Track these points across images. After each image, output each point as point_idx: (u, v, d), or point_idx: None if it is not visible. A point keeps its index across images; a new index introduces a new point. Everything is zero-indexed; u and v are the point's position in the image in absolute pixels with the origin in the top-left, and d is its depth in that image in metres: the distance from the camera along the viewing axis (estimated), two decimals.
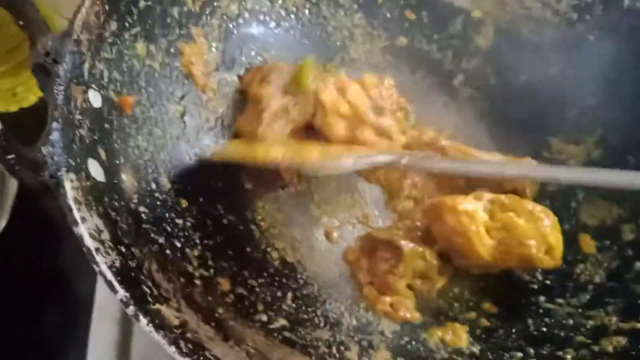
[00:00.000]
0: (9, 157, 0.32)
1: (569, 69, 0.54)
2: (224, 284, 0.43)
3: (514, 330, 0.45)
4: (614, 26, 0.52)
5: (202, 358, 0.31)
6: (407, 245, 0.47)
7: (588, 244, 0.48)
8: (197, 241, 0.44)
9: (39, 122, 0.37)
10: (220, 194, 0.50)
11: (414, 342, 0.44)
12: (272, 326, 0.42)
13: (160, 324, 0.32)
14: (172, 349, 0.31)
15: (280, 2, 0.57)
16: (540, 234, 0.43)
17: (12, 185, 0.55)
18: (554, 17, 0.55)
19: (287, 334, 0.42)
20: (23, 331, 0.54)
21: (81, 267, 0.57)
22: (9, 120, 0.35)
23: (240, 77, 0.55)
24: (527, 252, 0.43)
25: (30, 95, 0.67)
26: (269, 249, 0.49)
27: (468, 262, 0.46)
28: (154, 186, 0.43)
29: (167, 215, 0.43)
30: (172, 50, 0.48)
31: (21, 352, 0.54)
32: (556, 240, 0.43)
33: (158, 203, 0.43)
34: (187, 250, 0.43)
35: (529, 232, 0.43)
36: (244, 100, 0.54)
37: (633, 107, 0.50)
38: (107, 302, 0.52)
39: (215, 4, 0.52)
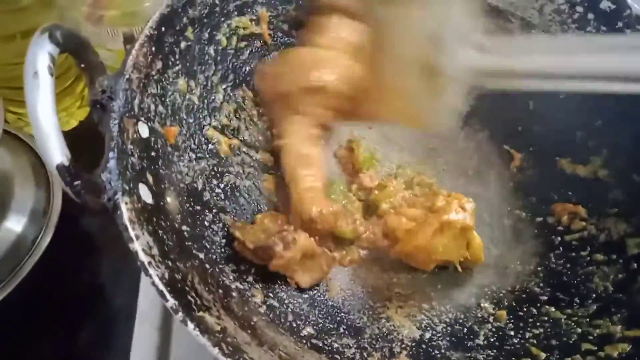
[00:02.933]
0: (76, 183, 0.35)
1: (576, 93, 0.54)
2: (258, 296, 0.46)
3: (526, 336, 0.47)
4: None
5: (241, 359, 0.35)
6: None
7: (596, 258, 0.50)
8: (233, 257, 0.48)
9: (80, 144, 0.41)
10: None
11: (430, 349, 0.47)
12: (300, 334, 0.45)
13: (204, 328, 0.35)
14: (216, 350, 0.34)
15: None
16: None
17: (57, 206, 0.59)
18: None
19: (314, 341, 0.45)
20: (69, 340, 0.58)
21: (118, 282, 0.61)
22: None
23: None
24: None
25: (71, 120, 0.72)
26: None
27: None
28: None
29: (205, 233, 0.47)
30: (209, 85, 0.52)
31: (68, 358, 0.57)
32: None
33: (198, 222, 0.46)
34: (224, 265, 0.46)
35: None
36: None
37: (636, 129, 0.52)
38: (148, 311, 0.55)
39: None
